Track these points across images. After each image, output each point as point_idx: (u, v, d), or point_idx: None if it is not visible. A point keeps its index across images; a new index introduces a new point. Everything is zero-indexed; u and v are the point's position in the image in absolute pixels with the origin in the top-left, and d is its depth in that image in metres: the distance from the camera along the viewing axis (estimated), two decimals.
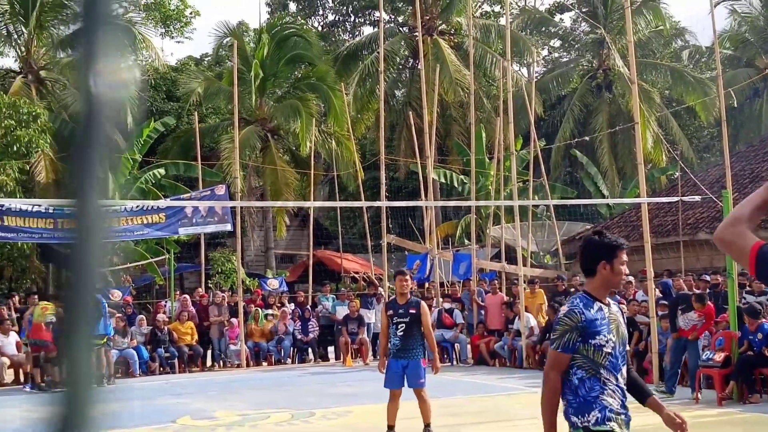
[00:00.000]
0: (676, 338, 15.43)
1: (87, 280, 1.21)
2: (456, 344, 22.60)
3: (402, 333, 10.79)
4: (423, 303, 11.19)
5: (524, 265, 23.86)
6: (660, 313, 16.74)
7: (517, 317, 21.03)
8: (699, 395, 14.36)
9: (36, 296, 21.64)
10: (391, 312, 10.93)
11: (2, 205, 20.87)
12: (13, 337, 20.00)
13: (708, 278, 18.67)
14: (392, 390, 11.03)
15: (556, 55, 54.48)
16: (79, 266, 1.21)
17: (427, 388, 11.09)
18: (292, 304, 25.02)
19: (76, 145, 1.18)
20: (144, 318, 22.31)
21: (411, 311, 10.83)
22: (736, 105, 34.10)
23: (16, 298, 22.35)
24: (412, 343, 10.81)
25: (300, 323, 23.83)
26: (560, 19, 51.04)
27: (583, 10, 45.43)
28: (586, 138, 34.44)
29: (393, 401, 11.09)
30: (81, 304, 1.22)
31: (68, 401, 1.18)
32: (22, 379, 19.72)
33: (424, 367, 11.01)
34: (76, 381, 1.20)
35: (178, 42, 77.58)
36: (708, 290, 17.64)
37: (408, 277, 11.40)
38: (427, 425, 11.14)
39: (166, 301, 24.96)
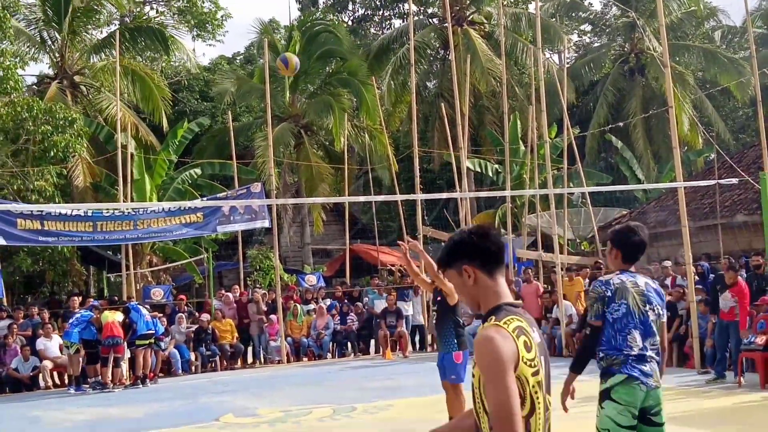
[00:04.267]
0: (718, 321, 15.33)
1: None
2: None
3: (435, 322, 10.61)
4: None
5: (561, 252, 23.75)
6: (698, 297, 16.63)
7: (555, 305, 20.96)
8: (742, 379, 14.25)
9: (76, 298, 21.87)
10: (435, 298, 10.77)
11: (42, 210, 21.13)
12: (56, 340, 20.25)
13: (745, 261, 18.49)
14: (441, 381, 10.57)
15: (587, 40, 54.12)
16: None
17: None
18: (329, 299, 25.06)
19: None
20: (183, 317, 22.50)
21: (438, 298, 10.40)
22: None
23: (76, 300, 22.25)
24: (444, 333, 10.31)
25: (339, 317, 23.96)
26: (590, 3, 50.72)
27: None
28: (620, 123, 34.21)
29: (446, 393, 10.66)
30: None
31: None
32: (66, 381, 19.96)
33: (459, 362, 10.30)
34: None
35: (210, 45, 77.91)
36: (748, 272, 17.48)
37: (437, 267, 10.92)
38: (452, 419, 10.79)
39: (209, 300, 25.13)
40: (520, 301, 3.48)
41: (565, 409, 6.00)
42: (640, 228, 5.91)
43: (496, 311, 3.36)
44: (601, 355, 5.74)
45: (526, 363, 3.22)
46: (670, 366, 17.19)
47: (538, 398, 3.27)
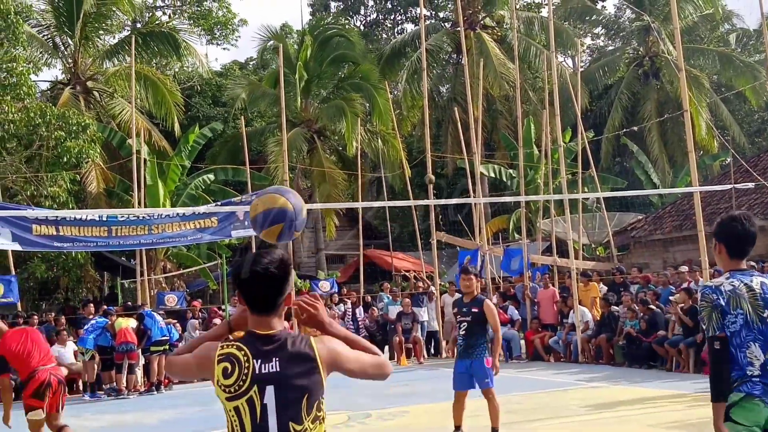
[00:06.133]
0: None
1: None
2: (509, 341, 22.40)
3: (464, 332, 10.61)
4: (487, 301, 10.82)
5: (576, 257, 23.65)
6: None
7: (571, 311, 20.85)
8: None
9: (92, 305, 21.84)
10: (455, 310, 10.85)
11: (57, 216, 21.12)
12: (71, 347, 20.23)
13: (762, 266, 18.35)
14: (457, 392, 10.81)
15: (601, 43, 53.98)
16: None
17: (495, 389, 10.77)
18: (342, 305, 24.95)
19: None
20: (197, 323, 22.46)
21: (473, 310, 10.58)
22: None
23: (91, 306, 22.37)
24: (474, 342, 10.53)
25: (352, 323, 23.87)
26: (603, 6, 50.56)
27: None
28: (635, 128, 34.07)
29: (458, 402, 10.79)
30: None
31: None
32: (81, 388, 19.94)
33: (489, 366, 10.59)
34: None
35: (224, 49, 78.09)
36: None
37: (472, 275, 10.96)
38: (494, 429, 10.70)
39: (221, 307, 25.09)
40: (271, 332, 3.72)
41: None
42: (745, 217, 5.14)
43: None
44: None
45: (220, 386, 3.66)
46: (686, 372, 17.12)
47: (235, 422, 3.64)
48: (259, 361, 3.64)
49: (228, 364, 3.64)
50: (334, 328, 3.91)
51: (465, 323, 10.60)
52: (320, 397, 3.72)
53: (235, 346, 3.69)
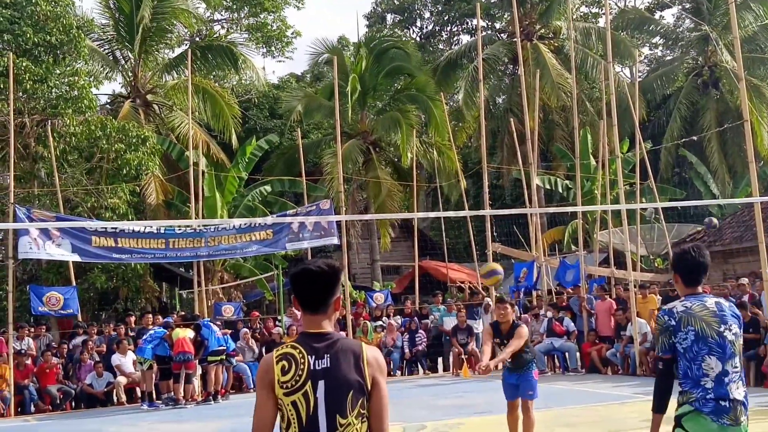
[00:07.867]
0: None
1: None
2: (566, 353, 22.21)
3: (511, 357, 10.64)
4: (521, 327, 10.75)
5: (634, 269, 23.36)
6: None
7: (629, 323, 20.59)
8: None
9: (150, 315, 22.11)
10: (497, 340, 10.78)
11: (115, 228, 21.42)
12: (131, 356, 20.47)
13: None
14: (509, 401, 10.83)
15: (659, 53, 53.39)
16: None
17: (537, 400, 10.79)
18: (399, 316, 24.94)
19: None
20: (248, 332, 22.61)
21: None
22: None
23: (132, 318, 22.97)
24: (522, 363, 10.67)
25: (408, 335, 23.81)
26: (661, 16, 50.05)
27: (686, 6, 44.48)
28: (694, 138, 33.64)
29: (512, 413, 10.86)
30: None
31: None
32: (139, 397, 20.16)
33: (536, 379, 10.81)
34: None
35: (280, 61, 78.71)
36: None
37: (508, 305, 10.93)
38: None
39: (278, 317, 25.22)
40: (322, 330, 4.05)
41: None
42: (697, 249, 5.66)
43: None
44: (680, 389, 5.42)
45: (279, 384, 3.95)
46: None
47: (292, 415, 3.93)
48: (313, 357, 3.97)
49: (285, 363, 3.96)
50: None
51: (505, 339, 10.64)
52: (364, 396, 3.97)
53: (290, 346, 4.03)
